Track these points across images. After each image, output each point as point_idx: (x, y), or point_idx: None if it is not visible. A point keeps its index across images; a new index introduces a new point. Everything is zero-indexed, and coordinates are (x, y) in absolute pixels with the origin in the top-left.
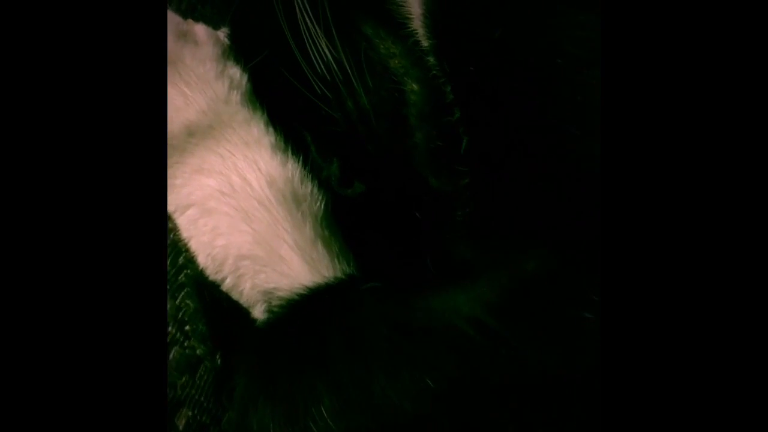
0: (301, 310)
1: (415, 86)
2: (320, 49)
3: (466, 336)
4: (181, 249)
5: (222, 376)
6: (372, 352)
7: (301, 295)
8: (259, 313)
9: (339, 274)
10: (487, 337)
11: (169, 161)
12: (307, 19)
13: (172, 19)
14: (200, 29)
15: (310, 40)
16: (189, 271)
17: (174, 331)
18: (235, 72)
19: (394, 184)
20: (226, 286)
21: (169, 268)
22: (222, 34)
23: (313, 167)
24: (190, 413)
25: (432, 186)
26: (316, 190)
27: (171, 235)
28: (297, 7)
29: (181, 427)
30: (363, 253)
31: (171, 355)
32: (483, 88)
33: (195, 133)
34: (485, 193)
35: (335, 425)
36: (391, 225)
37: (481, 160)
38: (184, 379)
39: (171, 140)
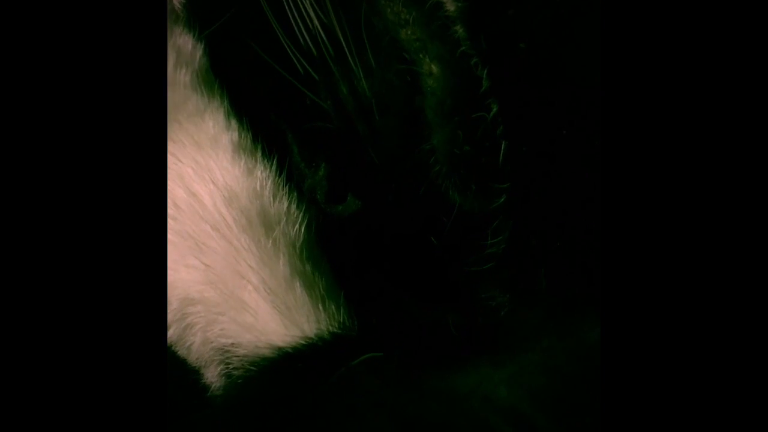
0: (269, 378)
1: (434, 67)
2: (305, 14)
3: None
4: None
5: None
6: None
7: (269, 357)
8: (212, 376)
9: (325, 329)
10: None
11: None
12: None
13: None
14: None
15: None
16: None
17: None
18: (185, 42)
19: (401, 201)
20: (168, 338)
21: None
22: None
23: (292, 176)
24: None
25: (455, 206)
26: (295, 208)
27: None
28: None
29: None
30: (359, 297)
31: None
32: (534, 74)
33: None
34: (528, 217)
35: None
36: (397, 258)
37: (525, 174)
38: None
39: None
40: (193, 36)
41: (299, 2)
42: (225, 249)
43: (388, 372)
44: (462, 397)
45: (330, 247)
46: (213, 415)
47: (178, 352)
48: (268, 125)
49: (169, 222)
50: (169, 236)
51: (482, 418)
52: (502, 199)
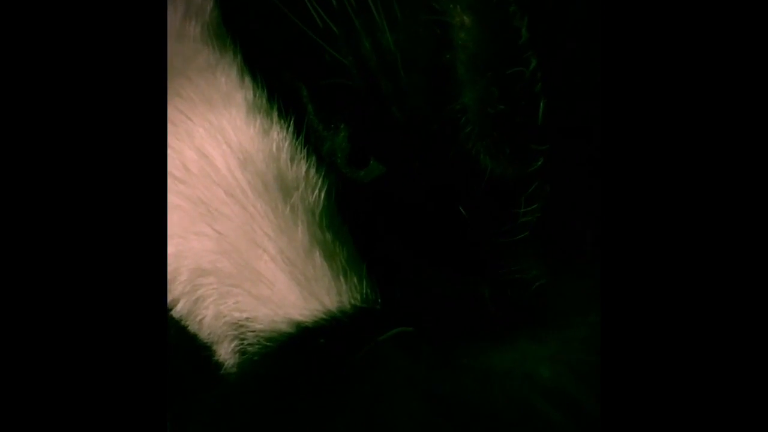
0: (287, 355)
1: (466, 18)
2: None
3: (544, 418)
4: None
5: None
6: None
7: (287, 332)
8: (225, 353)
9: (347, 302)
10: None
11: None
12: None
13: None
14: None
15: None
16: None
17: None
18: None
19: (428, 166)
20: (177, 312)
21: None
22: None
23: (311, 138)
24: None
25: (487, 171)
26: (314, 172)
27: None
28: None
29: None
30: (384, 268)
31: None
32: (576, 25)
33: None
34: (568, 183)
35: None
36: (423, 228)
37: (566, 136)
38: None
39: None
40: None
41: None
42: (239, 215)
43: (419, 348)
44: (500, 375)
45: (351, 215)
46: (226, 395)
47: (189, 327)
48: (284, 83)
49: (179, 186)
50: (179, 202)
51: (523, 398)
52: (539, 163)
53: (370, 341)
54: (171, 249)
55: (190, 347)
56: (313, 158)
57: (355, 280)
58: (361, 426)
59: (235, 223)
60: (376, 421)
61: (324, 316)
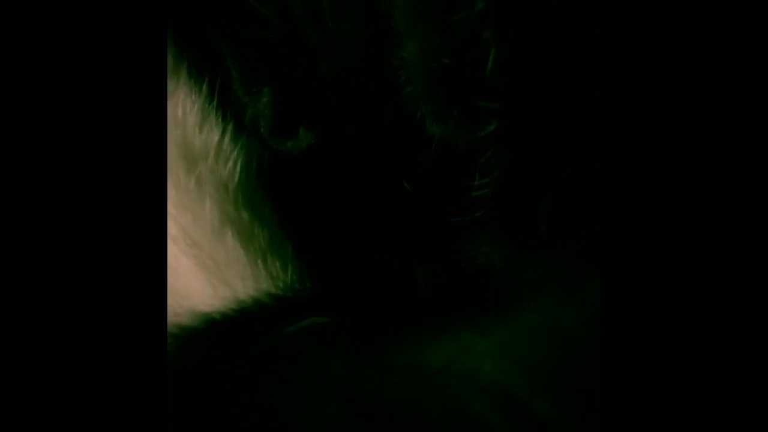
0: (196, 353)
1: None
2: None
3: (485, 422)
4: None
5: None
6: None
7: (190, 327)
8: None
9: (265, 291)
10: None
11: None
12: None
13: None
14: None
15: None
16: None
17: None
18: None
19: (365, 133)
20: None
21: None
22: None
23: (228, 102)
24: None
25: (432, 136)
26: (229, 140)
27: None
28: None
29: None
30: (314, 252)
31: None
32: None
33: None
34: (526, 148)
35: None
36: (360, 203)
37: (521, 90)
38: None
39: None
40: None
41: None
42: None
43: (339, 341)
44: (434, 372)
45: (276, 192)
46: None
47: None
48: (198, 39)
49: None
50: None
51: (460, 399)
52: (493, 126)
53: (279, 331)
54: None
55: None
56: (231, 125)
57: (278, 265)
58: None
59: None
60: (286, 425)
61: (235, 308)
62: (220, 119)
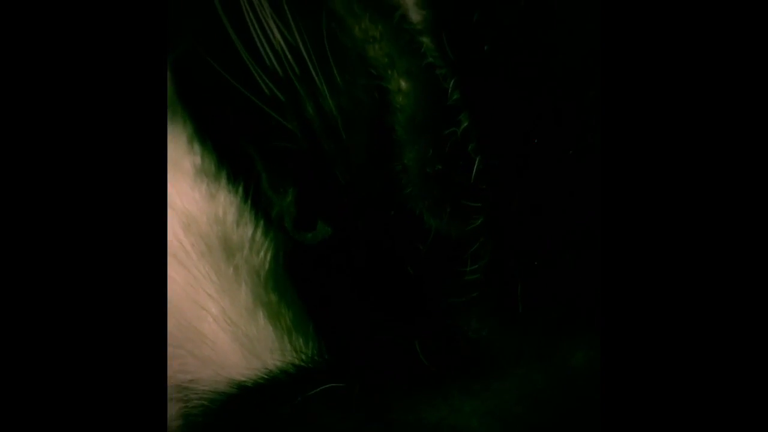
0: (231, 415)
1: (403, 83)
2: (270, 34)
3: None
4: None
5: None
6: None
7: (228, 393)
8: (171, 416)
9: (291, 362)
10: None
11: None
12: None
13: None
14: None
15: (254, 20)
16: None
17: None
18: None
19: (374, 226)
20: None
21: None
22: None
23: (259, 202)
24: None
25: (429, 228)
26: (260, 234)
27: None
28: None
29: None
30: (331, 327)
31: None
32: (503, 81)
33: None
34: (507, 239)
35: None
36: (369, 286)
37: (502, 191)
38: None
39: None
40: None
41: (263, 22)
42: (183, 277)
43: (350, 402)
44: (429, 428)
45: (300, 277)
46: None
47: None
48: (235, 149)
49: None
50: None
51: None
52: (479, 221)
53: (301, 396)
54: None
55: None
56: (262, 221)
57: (301, 341)
58: None
59: (178, 285)
60: None
61: (265, 376)
62: (253, 216)
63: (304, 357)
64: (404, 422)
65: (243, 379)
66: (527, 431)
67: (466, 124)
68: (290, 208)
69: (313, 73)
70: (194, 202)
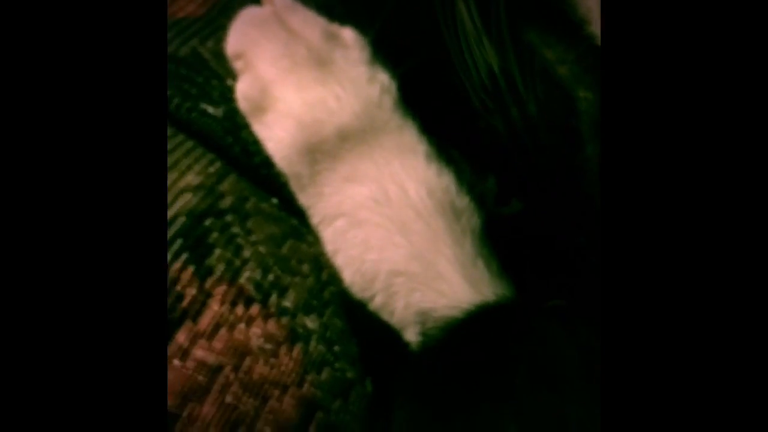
0: (461, 334)
1: (588, 94)
2: (481, 55)
3: None
4: (323, 264)
5: (375, 405)
6: (565, 381)
7: (460, 318)
8: (411, 335)
9: (500, 296)
10: None
11: (319, 167)
12: (470, 20)
13: (317, 19)
14: (347, 32)
15: (466, 45)
16: (333, 287)
17: (324, 350)
18: (384, 77)
19: (558, 204)
20: (374, 305)
21: (313, 283)
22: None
23: (465, 183)
24: None
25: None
26: (474, 204)
27: (312, 249)
28: (461, 8)
29: None
30: (520, 280)
31: (323, 376)
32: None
33: (348, 138)
34: None
35: None
36: (551, 251)
37: None
38: (337, 403)
39: (322, 145)
40: (389, 73)
41: (478, 46)
42: (426, 231)
43: (569, 317)
44: None
45: (495, 239)
46: (420, 365)
47: (383, 317)
48: (442, 144)
49: (381, 209)
50: (380, 220)
51: None
52: None
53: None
54: (373, 256)
55: (382, 332)
56: (470, 196)
57: (503, 285)
58: (537, 373)
59: (422, 237)
60: (546, 367)
61: (487, 303)
62: (465, 191)
63: (507, 296)
64: None
65: (467, 307)
66: None
67: None
68: (492, 188)
69: (519, 85)
70: (431, 176)
